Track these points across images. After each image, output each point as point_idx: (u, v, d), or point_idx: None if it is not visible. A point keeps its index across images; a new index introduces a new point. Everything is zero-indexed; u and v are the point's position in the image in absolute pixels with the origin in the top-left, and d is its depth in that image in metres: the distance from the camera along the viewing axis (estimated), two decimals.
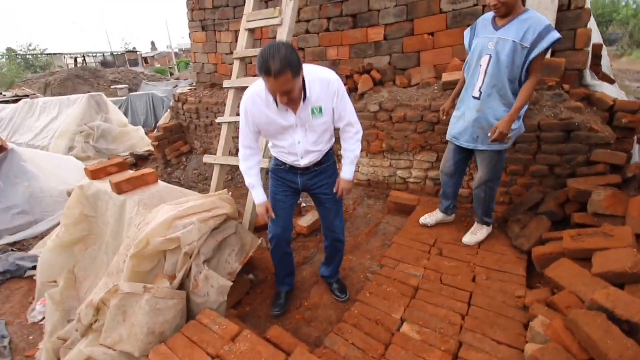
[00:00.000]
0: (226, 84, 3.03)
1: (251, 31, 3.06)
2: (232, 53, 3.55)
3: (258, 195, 1.68)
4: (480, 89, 1.87)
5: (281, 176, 1.77)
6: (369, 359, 1.50)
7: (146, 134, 6.62)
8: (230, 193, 2.22)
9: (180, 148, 4.55)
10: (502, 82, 1.79)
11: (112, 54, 28.45)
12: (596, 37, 2.60)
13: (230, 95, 3.04)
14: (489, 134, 1.84)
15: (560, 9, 2.33)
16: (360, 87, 3.07)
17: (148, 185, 2.24)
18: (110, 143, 6.03)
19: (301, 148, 1.58)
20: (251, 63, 4.13)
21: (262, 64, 1.22)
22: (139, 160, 4.85)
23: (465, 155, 2.14)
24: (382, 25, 3.14)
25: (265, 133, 1.60)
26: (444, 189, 2.34)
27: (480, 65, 1.85)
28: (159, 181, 2.34)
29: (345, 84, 3.25)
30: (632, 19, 16.26)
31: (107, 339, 1.57)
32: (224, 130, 2.99)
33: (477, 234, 2.23)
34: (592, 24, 2.46)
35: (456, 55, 2.80)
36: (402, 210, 2.85)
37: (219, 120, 3.02)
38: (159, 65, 30.95)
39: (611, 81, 2.73)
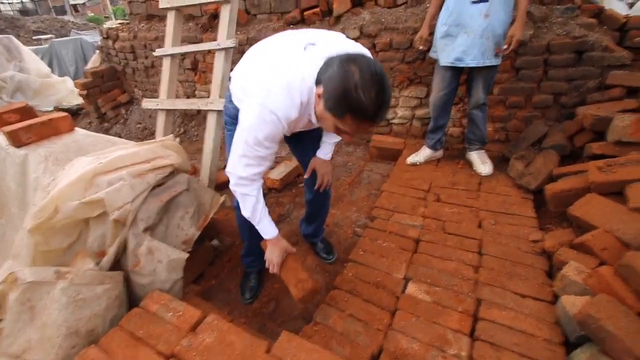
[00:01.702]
0: (163, 2, 2.34)
1: None
2: None
3: (267, 230, 1.19)
4: None
5: None
6: (374, 332, 1.19)
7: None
8: (177, 139, 1.71)
9: (116, 97, 3.76)
10: None
11: (32, 0, 24.05)
12: None
13: (170, 18, 2.36)
14: (505, 45, 1.72)
15: None
16: (336, 8, 2.52)
17: (60, 134, 1.64)
18: (31, 98, 4.96)
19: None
20: None
21: (361, 107, 0.82)
22: None
23: (458, 79, 1.94)
24: None
25: None
26: (436, 122, 2.11)
27: None
28: (77, 129, 1.75)
29: (316, 6, 2.68)
30: None
31: (11, 345, 1.11)
32: (166, 65, 2.36)
33: (486, 161, 2.07)
34: None
35: None
36: (387, 155, 2.50)
37: (157, 52, 2.36)
38: (92, 14, 26.84)
39: None
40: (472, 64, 1.76)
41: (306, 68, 0.93)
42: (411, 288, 1.35)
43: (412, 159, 2.23)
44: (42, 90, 5.02)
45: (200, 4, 2.55)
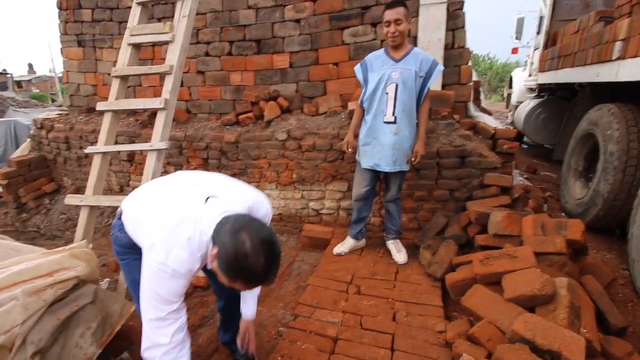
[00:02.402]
0: (100, 105, 2.49)
1: (135, 47, 2.62)
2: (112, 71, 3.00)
3: None
4: (394, 113, 2.02)
5: None
6: None
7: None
8: (90, 245, 1.67)
9: (41, 187, 3.58)
10: (411, 106, 2.02)
11: None
12: (474, 76, 2.94)
13: (107, 119, 2.48)
14: (412, 158, 2.10)
15: (445, 47, 2.55)
16: (267, 114, 2.86)
17: None
18: None
19: None
20: (140, 85, 3.60)
21: (258, 272, 0.91)
22: None
23: (377, 178, 2.26)
24: (287, 52, 3.03)
25: None
26: (359, 215, 2.34)
27: (387, 93, 2.02)
28: None
29: (250, 111, 3.02)
30: (488, 70, 20.42)
31: None
32: (96, 162, 2.40)
33: (401, 249, 2.31)
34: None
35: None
36: (317, 244, 2.63)
37: (89, 150, 2.42)
38: (37, 91, 26.26)
39: (489, 113, 3.09)
40: (387, 170, 2.09)
41: (205, 223, 0.97)
42: None
43: (337, 249, 2.38)
44: None
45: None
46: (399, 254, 2.27)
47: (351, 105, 2.68)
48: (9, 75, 25.62)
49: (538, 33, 4.95)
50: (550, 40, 4.33)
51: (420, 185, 2.48)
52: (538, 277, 1.41)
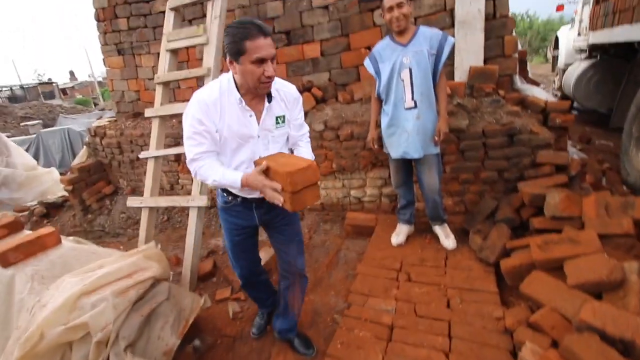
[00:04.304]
0: (148, 112, 2.63)
1: (173, 52, 2.72)
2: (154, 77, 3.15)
3: (235, 174, 1.25)
4: (413, 98, 1.98)
5: (234, 214, 1.47)
6: None
7: (63, 174, 5.71)
8: (158, 246, 1.82)
9: (101, 189, 3.90)
10: (429, 87, 1.97)
11: (21, 86, 25.12)
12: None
13: (155, 125, 2.63)
14: (435, 137, 2.01)
15: (486, 18, 2.39)
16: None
17: (46, 249, 1.74)
18: (15, 191, 5.04)
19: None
20: (179, 87, 3.75)
21: (246, 26, 1.12)
22: (52, 209, 4.08)
23: (410, 165, 2.24)
24: (317, 40, 3.00)
25: (219, 146, 1.32)
26: (404, 199, 2.33)
27: (403, 80, 1.97)
28: (63, 241, 1.85)
29: None
30: (528, 30, 18.76)
31: None
32: (150, 166, 2.57)
33: (449, 235, 2.28)
34: None
35: None
36: (361, 232, 2.67)
37: (142, 155, 2.59)
38: (80, 96, 28.07)
39: (537, 84, 2.88)
40: (416, 156, 2.03)
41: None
42: None
43: (395, 240, 2.34)
44: (27, 183, 5.12)
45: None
46: (448, 240, 2.24)
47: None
48: (54, 84, 27.62)
49: None
50: None
51: (465, 167, 2.40)
52: (605, 262, 1.34)
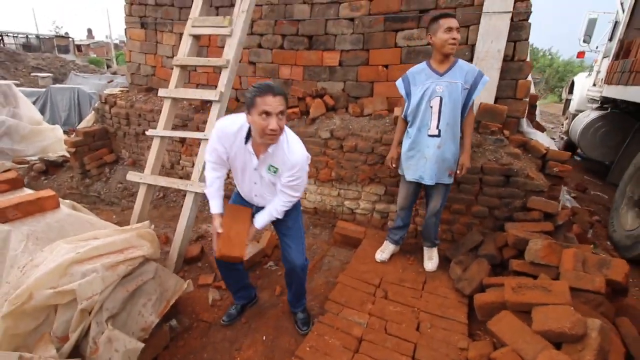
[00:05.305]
0: (162, 92, 2.68)
1: (196, 37, 2.77)
2: (173, 56, 3.20)
3: (215, 206, 1.65)
4: (438, 126, 2.02)
5: (242, 200, 1.80)
6: None
7: (66, 133, 5.73)
8: (152, 226, 1.88)
9: (103, 157, 3.95)
10: (455, 119, 2.02)
11: (37, 36, 24.93)
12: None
13: (166, 105, 2.69)
14: (457, 171, 2.11)
15: (504, 59, 2.45)
16: (312, 112, 2.94)
17: (44, 212, 1.79)
18: (17, 142, 5.06)
19: (257, 189, 1.66)
20: (195, 70, 3.79)
21: (260, 87, 1.35)
22: (51, 167, 4.11)
23: (420, 190, 2.30)
24: (337, 50, 3.05)
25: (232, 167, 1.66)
26: (403, 222, 2.40)
27: (431, 107, 2.01)
28: (62, 206, 1.91)
29: (296, 106, 3.10)
30: (547, 68, 18.87)
31: None
32: (155, 144, 2.62)
33: (433, 257, 2.37)
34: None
35: None
36: (348, 242, 2.74)
37: (150, 132, 2.64)
38: (94, 55, 27.95)
39: (542, 129, 2.95)
40: (429, 183, 2.09)
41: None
42: None
43: (380, 256, 2.42)
44: (30, 136, 5.15)
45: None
46: (429, 262, 2.33)
47: (397, 111, 2.69)
48: (70, 39, 27.45)
49: (610, 40, 4.53)
50: (624, 51, 3.96)
51: (459, 198, 2.47)
52: (570, 315, 1.42)
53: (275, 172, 1.55)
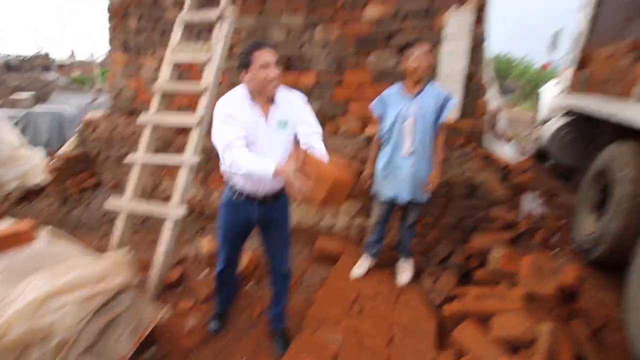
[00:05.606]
0: (141, 119, 2.75)
1: (176, 64, 2.87)
2: (156, 79, 3.28)
3: (269, 162, 1.38)
4: (411, 147, 2.14)
5: (237, 208, 1.74)
6: None
7: (50, 154, 5.69)
8: (131, 253, 1.93)
9: (84, 181, 3.96)
10: (429, 139, 2.14)
11: (18, 57, 24.60)
12: (495, 95, 2.99)
13: (147, 131, 2.75)
14: (425, 187, 2.19)
15: (465, 79, 2.62)
16: None
17: (22, 244, 1.83)
18: None
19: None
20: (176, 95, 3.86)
21: (254, 44, 1.50)
22: (30, 194, 4.09)
23: (392, 209, 2.38)
24: (313, 70, 3.19)
25: None
26: (378, 236, 2.47)
27: (405, 128, 2.12)
28: (40, 234, 1.94)
29: None
30: (522, 76, 19.57)
31: None
32: (135, 171, 2.67)
33: (406, 271, 2.45)
34: (493, 79, 2.82)
35: None
36: (328, 258, 2.82)
37: (128, 160, 2.69)
38: (79, 73, 27.67)
39: (508, 139, 3.13)
40: (405, 200, 2.20)
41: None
42: None
43: (356, 272, 2.48)
44: (10, 162, 5.06)
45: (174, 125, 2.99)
46: (401, 275, 2.41)
47: (368, 130, 2.82)
48: (52, 59, 27.13)
49: (574, 50, 4.80)
50: (584, 61, 4.20)
51: (428, 212, 2.60)
52: (522, 321, 1.53)
53: (285, 125, 1.59)
